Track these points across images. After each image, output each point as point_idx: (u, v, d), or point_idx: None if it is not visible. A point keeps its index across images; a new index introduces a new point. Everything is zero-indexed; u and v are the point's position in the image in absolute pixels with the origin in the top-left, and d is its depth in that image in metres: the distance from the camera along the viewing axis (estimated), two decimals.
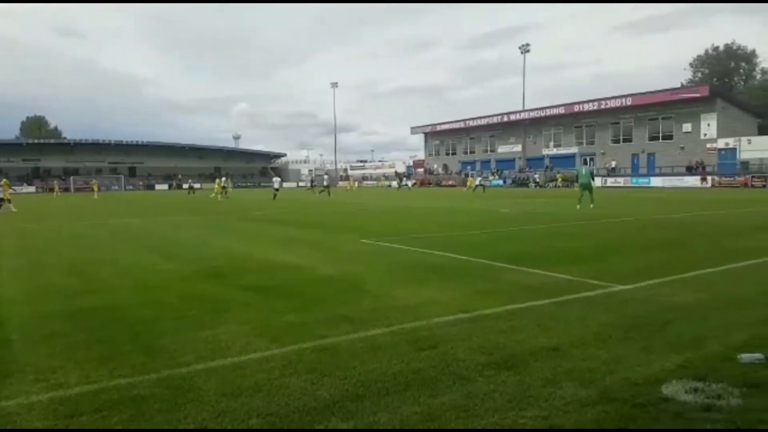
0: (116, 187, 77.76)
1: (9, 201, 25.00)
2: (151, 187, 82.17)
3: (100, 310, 5.57)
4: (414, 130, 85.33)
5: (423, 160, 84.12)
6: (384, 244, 10.52)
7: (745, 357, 3.74)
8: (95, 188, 49.85)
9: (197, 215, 20.97)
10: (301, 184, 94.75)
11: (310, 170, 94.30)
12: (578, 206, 19.69)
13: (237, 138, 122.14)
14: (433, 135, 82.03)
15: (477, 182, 48.23)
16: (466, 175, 69.77)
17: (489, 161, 72.70)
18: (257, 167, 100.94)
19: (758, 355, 3.74)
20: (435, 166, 79.85)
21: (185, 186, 59.67)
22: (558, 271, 7.16)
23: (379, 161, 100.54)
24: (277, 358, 3.94)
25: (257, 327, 4.79)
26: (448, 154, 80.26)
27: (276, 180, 37.21)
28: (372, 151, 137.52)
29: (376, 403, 3.15)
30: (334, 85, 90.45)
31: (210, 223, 16.90)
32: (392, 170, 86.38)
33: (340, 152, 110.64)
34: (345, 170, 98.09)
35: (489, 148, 74.10)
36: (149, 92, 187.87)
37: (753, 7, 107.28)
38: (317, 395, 3.28)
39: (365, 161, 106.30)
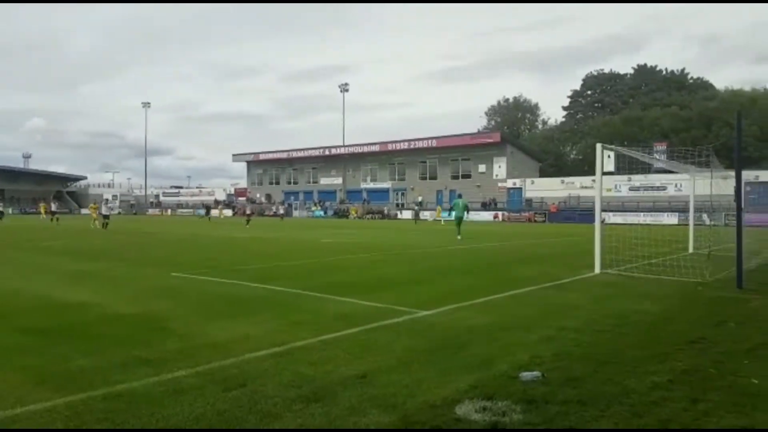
0: None
1: None
2: None
3: None
4: (236, 157, 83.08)
5: (246, 189, 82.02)
6: (197, 277, 9.91)
7: (526, 375, 4.18)
8: None
9: None
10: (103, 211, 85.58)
11: (114, 195, 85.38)
12: (459, 237, 20.67)
13: (27, 157, 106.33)
14: (256, 164, 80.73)
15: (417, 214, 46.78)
16: (289, 205, 69.61)
17: (312, 192, 73.68)
18: (51, 191, 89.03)
19: (536, 373, 4.21)
20: (258, 195, 78.42)
21: None
22: (370, 299, 7.43)
23: (197, 188, 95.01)
24: (61, 409, 3.45)
25: (37, 374, 4.16)
26: (271, 183, 79.51)
27: (104, 205, 32.26)
28: (189, 177, 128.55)
29: None
30: (147, 104, 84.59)
31: None
32: (212, 198, 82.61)
33: (152, 177, 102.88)
34: (156, 197, 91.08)
35: (312, 180, 75.23)
36: None
37: (536, 66, 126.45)
38: None
39: (180, 187, 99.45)
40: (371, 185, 69.10)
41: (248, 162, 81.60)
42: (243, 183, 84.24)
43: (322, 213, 65.07)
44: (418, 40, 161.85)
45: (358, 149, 68.78)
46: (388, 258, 14.26)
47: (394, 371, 4.28)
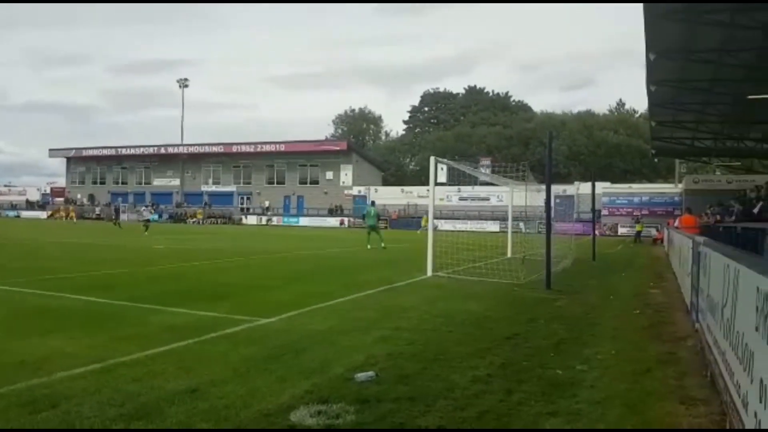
0: None
1: None
2: None
3: None
4: (53, 152, 73.69)
5: (64, 188, 73.12)
6: (3, 287, 8.63)
7: (361, 376, 4.33)
8: None
9: None
10: None
11: None
12: (368, 246, 19.40)
13: None
14: (78, 161, 72.35)
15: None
16: (116, 208, 63.81)
17: (144, 194, 68.15)
18: None
19: (370, 374, 4.38)
20: (79, 195, 70.42)
21: None
22: (205, 309, 7.11)
23: (5, 186, 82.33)
24: None
25: None
26: (95, 183, 71.84)
27: None
28: None
29: None
30: None
31: None
32: (23, 198, 72.35)
33: None
34: None
35: (144, 180, 69.57)
36: None
37: (380, 80, 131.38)
38: None
39: None
40: (213, 188, 65.98)
41: (68, 158, 72.85)
42: (61, 182, 75.05)
43: (156, 216, 60.58)
44: (267, 43, 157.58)
45: (199, 149, 65.25)
46: (227, 265, 13.76)
47: (228, 382, 4.15)
